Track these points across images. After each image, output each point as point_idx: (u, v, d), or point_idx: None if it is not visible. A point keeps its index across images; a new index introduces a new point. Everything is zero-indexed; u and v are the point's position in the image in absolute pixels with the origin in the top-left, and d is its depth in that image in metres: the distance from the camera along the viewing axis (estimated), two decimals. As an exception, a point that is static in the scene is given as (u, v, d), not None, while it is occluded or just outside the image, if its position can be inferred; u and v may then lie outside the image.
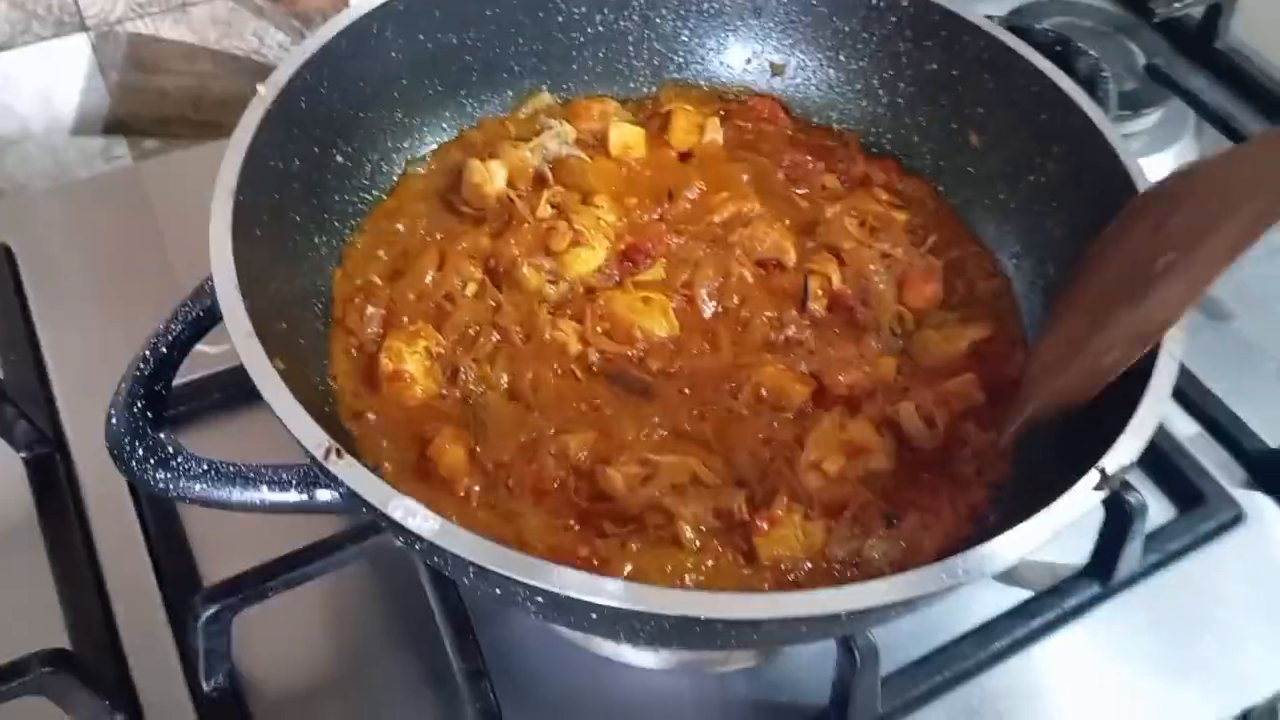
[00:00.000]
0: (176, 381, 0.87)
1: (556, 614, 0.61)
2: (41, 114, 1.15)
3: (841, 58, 1.00)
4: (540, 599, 0.57)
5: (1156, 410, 0.66)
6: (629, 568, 0.69)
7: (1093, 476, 0.62)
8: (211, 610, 0.72)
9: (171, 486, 0.59)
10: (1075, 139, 0.85)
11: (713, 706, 0.79)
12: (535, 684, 0.78)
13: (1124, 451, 0.63)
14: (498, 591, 0.59)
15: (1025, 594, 0.85)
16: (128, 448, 0.59)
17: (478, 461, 0.74)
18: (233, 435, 0.89)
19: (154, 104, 1.20)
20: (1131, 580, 0.86)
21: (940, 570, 0.57)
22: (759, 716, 0.79)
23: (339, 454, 0.57)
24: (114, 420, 0.60)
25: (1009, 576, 0.87)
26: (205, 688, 0.75)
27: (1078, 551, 0.86)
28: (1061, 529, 0.60)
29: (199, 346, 0.69)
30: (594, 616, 0.57)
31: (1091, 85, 0.89)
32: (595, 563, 0.69)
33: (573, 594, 0.54)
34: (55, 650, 0.69)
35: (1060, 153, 0.87)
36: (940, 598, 0.62)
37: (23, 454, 0.86)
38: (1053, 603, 0.84)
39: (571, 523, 0.72)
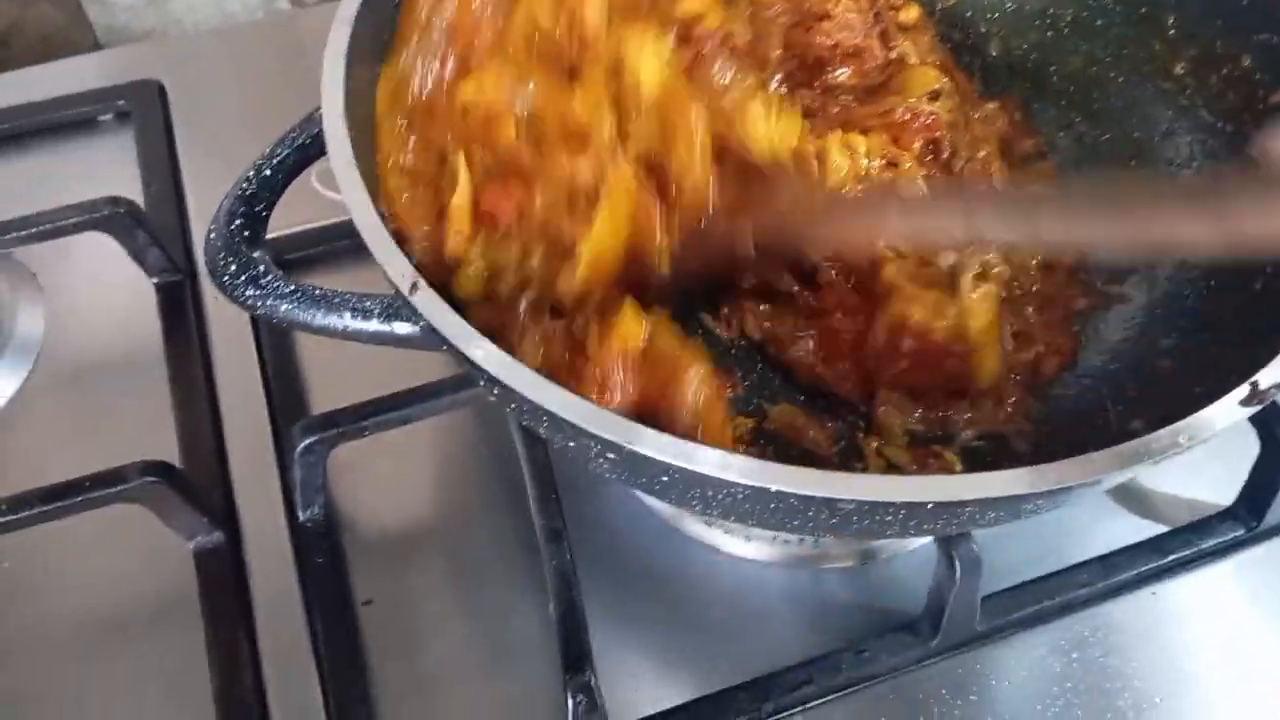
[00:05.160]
0: (315, 224, 0.92)
1: (628, 474, 0.58)
2: (207, -42, 1.17)
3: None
4: (612, 455, 0.54)
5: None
6: None
7: (1241, 391, 0.55)
8: (307, 441, 0.73)
9: (259, 304, 0.59)
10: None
11: (804, 602, 0.76)
12: (618, 555, 0.77)
13: (1283, 367, 0.56)
14: (572, 444, 0.57)
15: (1159, 529, 0.79)
16: (221, 263, 0.59)
17: None
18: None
19: (317, -45, 1.20)
20: (1286, 527, 0.78)
21: (1031, 474, 0.51)
22: (852, 617, 0.76)
23: (418, 288, 0.56)
24: (212, 235, 0.60)
25: (1142, 508, 0.80)
26: (301, 517, 0.76)
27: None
28: (1193, 445, 0.54)
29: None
30: (665, 479, 0.55)
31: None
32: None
33: (640, 450, 0.51)
34: (157, 461, 0.71)
35: (1264, 42, 0.77)
36: (1023, 509, 0.56)
37: (154, 279, 0.89)
38: (1188, 539, 0.77)
39: None
